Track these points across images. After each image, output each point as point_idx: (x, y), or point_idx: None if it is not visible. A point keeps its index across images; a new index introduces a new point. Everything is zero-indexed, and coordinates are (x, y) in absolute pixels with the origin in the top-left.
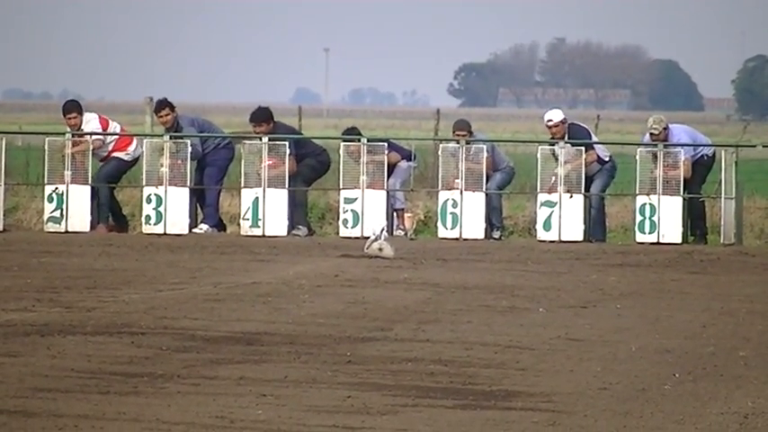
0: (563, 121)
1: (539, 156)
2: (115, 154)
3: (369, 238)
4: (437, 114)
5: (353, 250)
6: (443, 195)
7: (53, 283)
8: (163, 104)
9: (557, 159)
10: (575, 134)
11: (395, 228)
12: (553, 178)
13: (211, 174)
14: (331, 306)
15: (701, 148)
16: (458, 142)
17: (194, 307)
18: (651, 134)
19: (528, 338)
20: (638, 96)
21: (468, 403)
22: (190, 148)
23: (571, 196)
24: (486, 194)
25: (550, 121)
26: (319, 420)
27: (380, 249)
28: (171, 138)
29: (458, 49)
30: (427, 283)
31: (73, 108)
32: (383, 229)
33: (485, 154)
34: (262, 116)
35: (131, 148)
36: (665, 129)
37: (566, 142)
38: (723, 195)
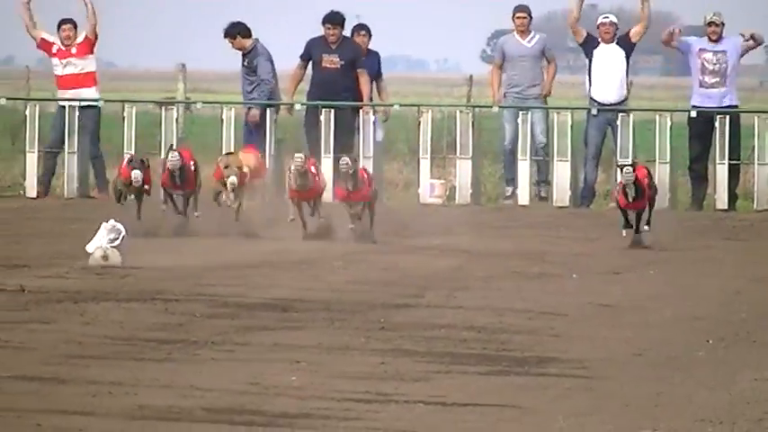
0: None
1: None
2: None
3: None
4: (470, 81)
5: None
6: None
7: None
8: (237, 29)
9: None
10: None
11: None
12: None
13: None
14: (364, 273)
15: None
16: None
17: (227, 273)
18: (711, 24)
19: (560, 305)
20: (670, 63)
21: (500, 369)
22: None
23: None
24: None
25: (607, 17)
26: (352, 387)
27: (105, 258)
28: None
29: (490, 15)
30: (458, 249)
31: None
32: (120, 233)
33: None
34: (337, 19)
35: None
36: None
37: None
38: (756, 161)
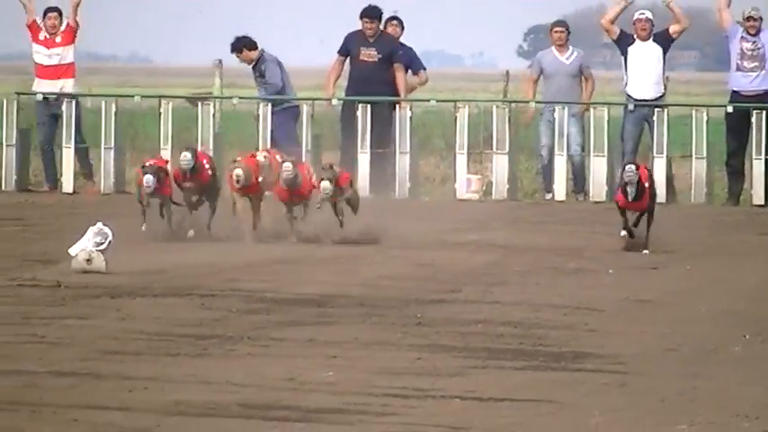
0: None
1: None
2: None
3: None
4: (506, 76)
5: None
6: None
7: (121, 245)
8: (243, 43)
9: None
10: None
11: None
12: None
13: (281, 135)
14: (399, 268)
15: None
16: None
17: (263, 269)
18: (750, 18)
19: (596, 300)
20: (706, 58)
21: (537, 365)
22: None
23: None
24: (571, 155)
25: (643, 14)
26: (388, 382)
27: (89, 261)
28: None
29: (526, 10)
30: (495, 244)
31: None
32: (107, 237)
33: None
34: (374, 13)
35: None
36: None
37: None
38: None
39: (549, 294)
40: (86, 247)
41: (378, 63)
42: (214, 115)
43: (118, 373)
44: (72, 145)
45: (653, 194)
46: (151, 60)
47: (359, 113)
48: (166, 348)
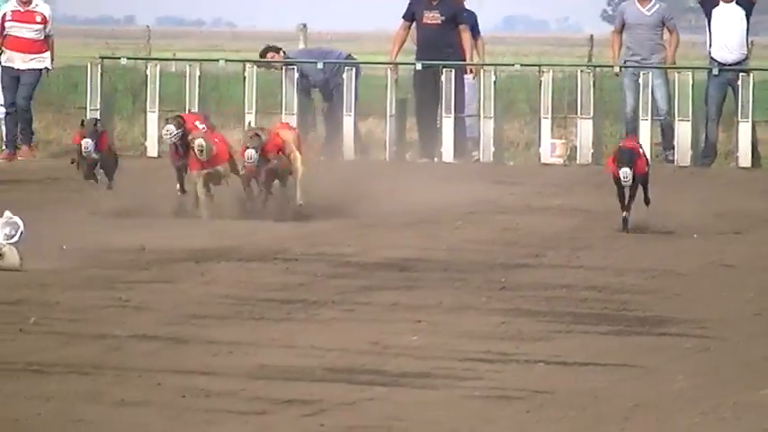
0: None
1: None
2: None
3: None
4: (590, 40)
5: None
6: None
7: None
8: (269, 49)
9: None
10: None
11: None
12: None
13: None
14: (484, 232)
15: None
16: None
17: (347, 233)
18: None
19: (681, 265)
20: None
21: (621, 329)
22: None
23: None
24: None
25: None
26: (473, 346)
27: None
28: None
29: None
30: (579, 209)
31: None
32: (18, 228)
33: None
34: None
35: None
36: None
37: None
38: None
39: (633, 259)
40: (4, 241)
41: (441, 25)
42: (297, 80)
43: (202, 337)
44: (156, 110)
45: (646, 166)
46: (234, 25)
47: (442, 78)
48: (251, 313)
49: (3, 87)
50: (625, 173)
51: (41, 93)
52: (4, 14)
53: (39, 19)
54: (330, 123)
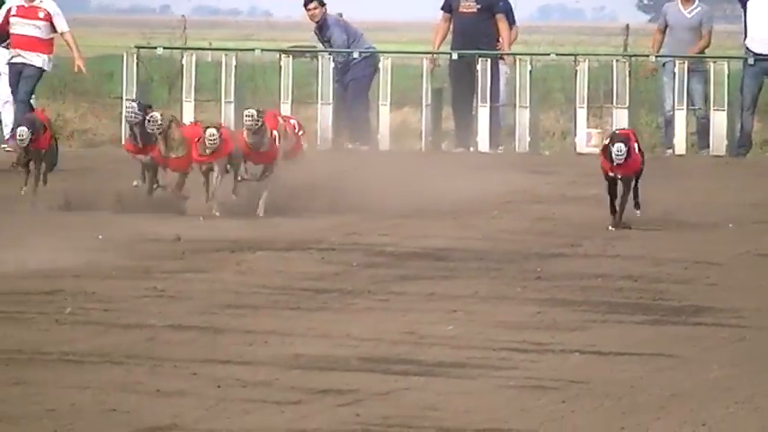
0: None
1: None
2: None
3: None
4: (626, 30)
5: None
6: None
7: (241, 200)
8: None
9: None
10: None
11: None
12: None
13: (357, 88)
14: (519, 222)
15: None
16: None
17: (383, 223)
18: None
19: (717, 254)
20: None
21: (657, 319)
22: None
23: None
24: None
25: None
26: (509, 336)
27: None
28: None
29: None
30: None
31: None
32: None
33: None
34: None
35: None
36: None
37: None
38: None
39: (669, 248)
40: None
41: (477, 14)
42: (333, 69)
43: (238, 326)
44: (192, 99)
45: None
46: (270, 14)
47: (478, 67)
48: (286, 302)
49: (11, 83)
50: (619, 147)
51: (76, 82)
52: (9, 9)
53: (42, 15)
54: (353, 112)
